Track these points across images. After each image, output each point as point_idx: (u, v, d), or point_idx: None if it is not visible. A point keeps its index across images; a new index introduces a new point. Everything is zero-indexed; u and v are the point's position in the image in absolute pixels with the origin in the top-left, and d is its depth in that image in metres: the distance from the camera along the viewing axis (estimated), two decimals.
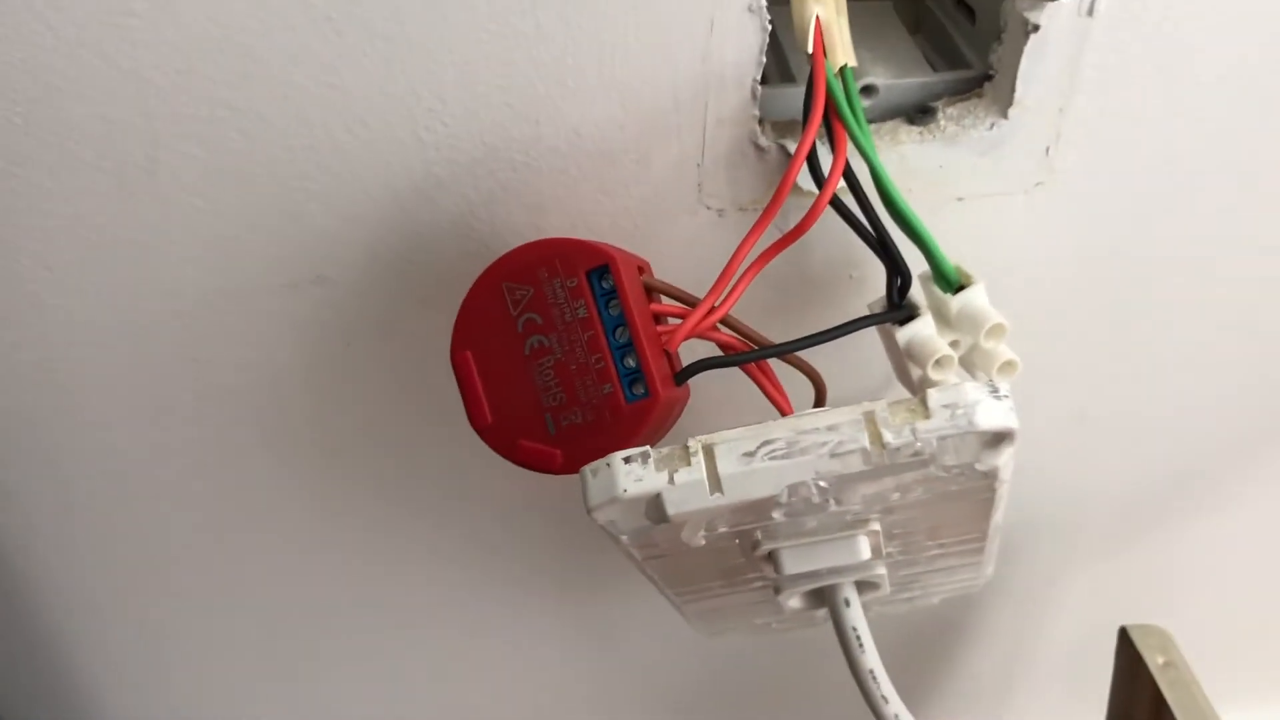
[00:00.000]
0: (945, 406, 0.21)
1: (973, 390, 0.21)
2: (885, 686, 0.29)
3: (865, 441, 0.21)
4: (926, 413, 0.21)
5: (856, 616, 0.28)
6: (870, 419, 0.21)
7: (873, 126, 0.28)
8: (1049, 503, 0.37)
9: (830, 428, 0.21)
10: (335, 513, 0.33)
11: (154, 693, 0.39)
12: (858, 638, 0.28)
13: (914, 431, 0.21)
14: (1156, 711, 0.33)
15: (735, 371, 0.26)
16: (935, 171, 0.28)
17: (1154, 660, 0.33)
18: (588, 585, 0.36)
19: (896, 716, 0.30)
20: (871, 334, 0.27)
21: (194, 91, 0.24)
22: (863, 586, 0.28)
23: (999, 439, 0.21)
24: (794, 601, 0.28)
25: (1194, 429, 0.35)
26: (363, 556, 0.35)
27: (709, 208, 0.27)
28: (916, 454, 0.21)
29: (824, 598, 0.28)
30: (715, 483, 0.22)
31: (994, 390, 0.21)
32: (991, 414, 0.21)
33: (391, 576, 0.36)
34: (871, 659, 0.29)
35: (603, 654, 0.39)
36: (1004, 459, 0.22)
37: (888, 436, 0.21)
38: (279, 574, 0.35)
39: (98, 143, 0.25)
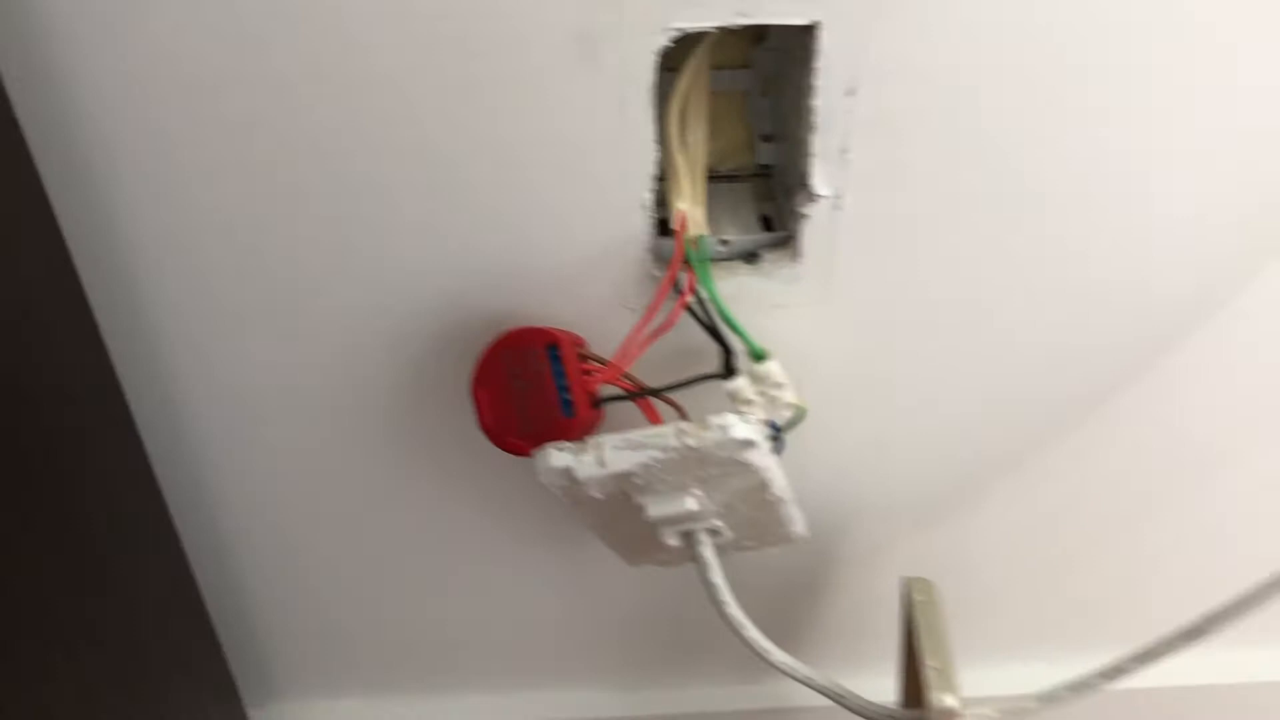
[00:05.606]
0: (718, 425, 0.41)
1: (730, 416, 0.41)
2: (725, 594, 0.48)
3: (675, 442, 0.41)
4: (708, 428, 0.41)
5: (707, 549, 0.47)
6: (680, 430, 0.41)
7: (724, 264, 0.47)
8: (866, 495, 0.55)
9: (660, 434, 0.41)
10: (404, 476, 0.54)
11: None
12: (706, 561, 0.47)
13: (700, 438, 0.41)
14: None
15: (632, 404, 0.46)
16: (760, 292, 0.47)
17: (915, 598, 0.51)
18: (564, 538, 0.57)
19: (734, 616, 0.49)
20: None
21: (344, 246, 0.45)
22: (713, 533, 0.48)
23: (746, 444, 0.41)
24: (672, 540, 0.47)
25: (960, 446, 0.54)
26: (425, 505, 0.55)
27: (627, 309, 0.47)
28: (703, 449, 0.41)
29: (690, 539, 0.48)
30: (601, 461, 0.42)
31: (744, 417, 0.41)
32: (739, 429, 0.40)
33: (439, 524, 0.56)
34: (717, 576, 0.48)
35: (570, 584, 0.59)
36: (753, 455, 0.41)
37: (687, 440, 0.41)
38: (369, 504, 0.55)
39: (304, 249, 0.46)
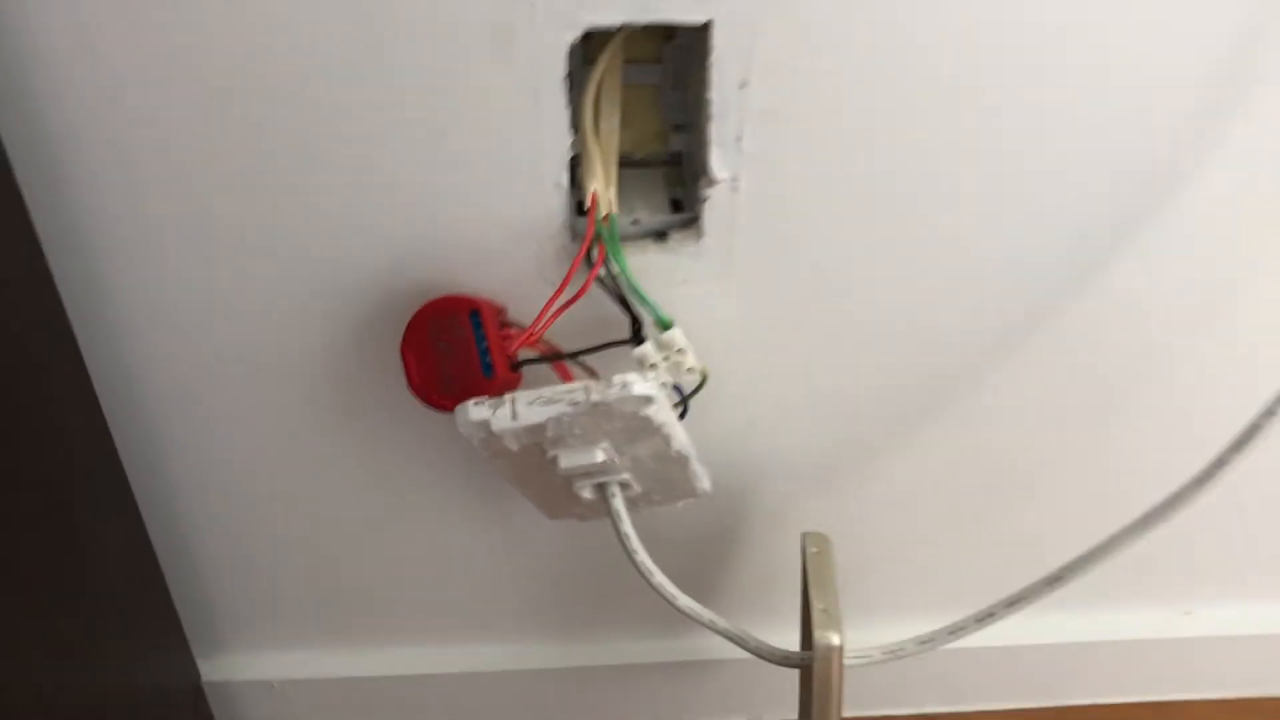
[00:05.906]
0: (620, 382, 0.45)
1: (631, 375, 0.45)
2: (635, 543, 0.53)
3: (582, 397, 0.45)
4: (611, 384, 0.45)
5: (618, 500, 0.51)
6: (587, 387, 0.45)
7: (635, 242, 0.52)
8: (768, 457, 0.60)
9: (569, 390, 0.46)
10: (342, 436, 0.58)
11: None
12: (617, 512, 0.52)
13: (604, 394, 0.45)
14: None
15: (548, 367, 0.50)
16: (668, 268, 0.52)
17: (809, 550, 0.56)
18: (493, 496, 0.61)
19: (644, 563, 0.53)
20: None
21: (287, 226, 0.49)
22: (623, 486, 0.52)
23: (645, 400, 0.45)
24: (586, 493, 0.52)
25: (853, 411, 0.58)
26: (362, 464, 0.59)
27: (546, 280, 0.52)
28: (607, 404, 0.45)
29: (603, 491, 0.52)
30: (514, 415, 0.46)
31: (643, 376, 0.45)
32: (639, 386, 0.45)
33: (375, 482, 0.60)
34: (627, 526, 0.52)
35: (500, 541, 0.63)
36: (651, 410, 0.46)
37: (593, 396, 0.45)
38: (311, 464, 0.59)
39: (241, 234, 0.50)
